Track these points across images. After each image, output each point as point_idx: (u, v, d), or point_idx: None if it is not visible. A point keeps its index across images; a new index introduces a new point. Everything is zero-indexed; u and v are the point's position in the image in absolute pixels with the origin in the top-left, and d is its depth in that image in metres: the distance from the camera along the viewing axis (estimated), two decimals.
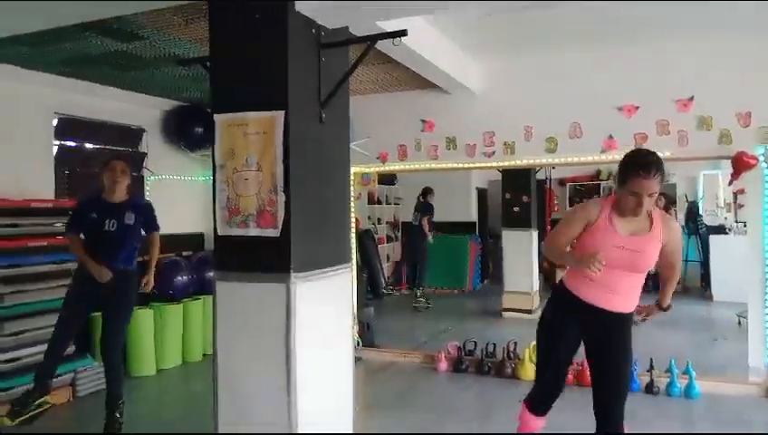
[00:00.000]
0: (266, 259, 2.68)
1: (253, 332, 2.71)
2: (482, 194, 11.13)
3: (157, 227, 4.05)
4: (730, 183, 5.02)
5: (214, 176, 2.84)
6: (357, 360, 5.39)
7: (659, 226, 2.63)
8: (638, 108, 4.83)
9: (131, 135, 6.20)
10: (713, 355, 5.66)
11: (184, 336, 5.63)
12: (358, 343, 5.64)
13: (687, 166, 8.89)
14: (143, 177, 6.26)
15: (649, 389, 4.60)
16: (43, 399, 3.78)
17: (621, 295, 2.68)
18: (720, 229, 8.87)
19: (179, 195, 6.51)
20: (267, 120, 2.73)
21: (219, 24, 2.88)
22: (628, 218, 2.61)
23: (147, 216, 3.98)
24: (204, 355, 5.67)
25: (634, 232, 2.62)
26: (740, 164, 4.56)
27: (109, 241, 3.79)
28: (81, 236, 3.89)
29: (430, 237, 8.53)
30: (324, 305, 2.89)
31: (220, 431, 2.76)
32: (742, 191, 6.30)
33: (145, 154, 6.27)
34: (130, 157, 6.23)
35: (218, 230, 2.81)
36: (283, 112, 2.69)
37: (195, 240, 6.59)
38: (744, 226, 5.75)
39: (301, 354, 2.65)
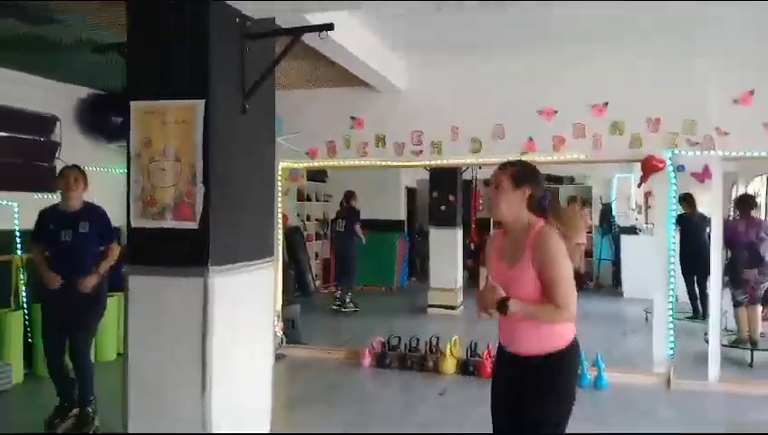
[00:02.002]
0: (183, 252, 2.62)
1: (167, 328, 2.64)
2: (411, 193, 11.27)
3: (112, 237, 4.00)
4: (639, 185, 5.34)
5: (128, 166, 2.74)
6: (280, 357, 5.34)
7: (530, 250, 2.21)
8: (556, 111, 5.05)
9: (43, 123, 5.84)
10: (622, 348, 6.00)
11: (97, 335, 5.37)
12: (282, 340, 5.58)
13: (603, 169, 9.39)
14: (56, 168, 5.92)
15: None
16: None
17: (516, 333, 2.29)
18: (631, 230, 9.42)
19: (95, 187, 6.13)
20: (187, 109, 2.66)
21: (136, 9, 2.79)
22: (509, 239, 2.32)
23: (102, 224, 3.95)
24: (118, 354, 5.44)
25: (509, 257, 2.29)
26: (648, 167, 4.86)
27: (66, 252, 3.80)
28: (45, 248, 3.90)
29: (364, 240, 8.47)
30: (244, 300, 2.85)
31: (130, 432, 2.66)
32: (650, 193, 6.70)
33: (58, 144, 5.93)
34: (41, 146, 5.89)
35: (132, 222, 2.71)
36: (203, 101, 2.64)
37: None
38: (653, 226, 6.14)
39: (217, 351, 2.60)
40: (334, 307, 8.03)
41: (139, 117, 2.72)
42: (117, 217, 6.10)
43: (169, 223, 2.65)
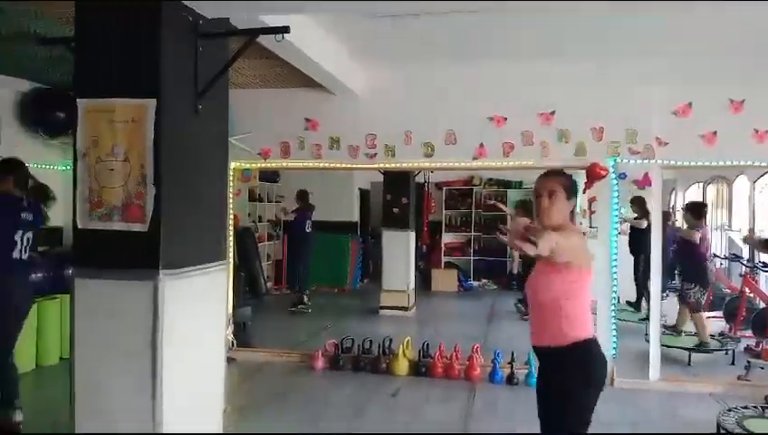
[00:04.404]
0: (132, 256, 2.56)
1: (115, 333, 2.57)
2: (364, 195, 11.30)
3: None
4: (584, 191, 5.52)
5: (75, 165, 2.65)
6: (230, 360, 5.26)
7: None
8: (506, 119, 5.18)
9: None
10: None
11: (38, 338, 5.18)
12: (232, 343, 5.50)
13: None
14: None
15: (510, 380, 5.01)
16: None
17: (535, 327, 2.59)
18: None
19: None
20: (137, 108, 2.60)
21: (86, 3, 2.70)
22: None
23: None
24: (61, 359, 5.25)
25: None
26: (593, 174, 5.03)
27: None
28: None
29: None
30: (195, 305, 2.80)
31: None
32: (594, 199, 6.95)
33: None
34: None
35: (78, 223, 2.63)
36: (154, 101, 2.58)
37: (52, 235, 6.05)
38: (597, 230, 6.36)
39: (168, 356, 2.55)
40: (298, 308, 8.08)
41: (86, 115, 2.64)
42: (57, 217, 5.95)
43: (118, 225, 2.59)
